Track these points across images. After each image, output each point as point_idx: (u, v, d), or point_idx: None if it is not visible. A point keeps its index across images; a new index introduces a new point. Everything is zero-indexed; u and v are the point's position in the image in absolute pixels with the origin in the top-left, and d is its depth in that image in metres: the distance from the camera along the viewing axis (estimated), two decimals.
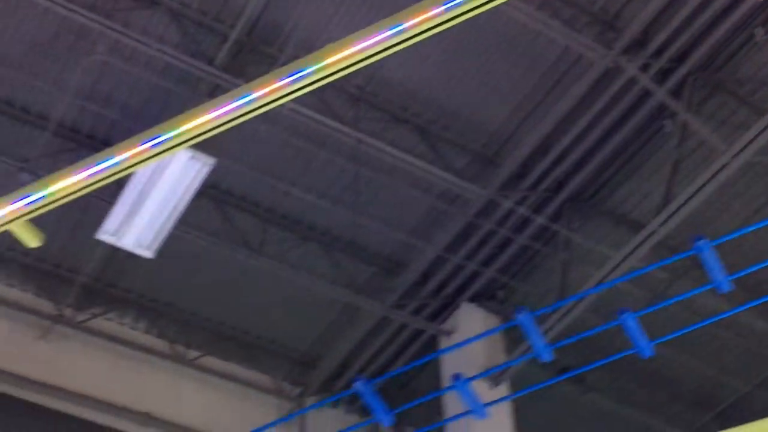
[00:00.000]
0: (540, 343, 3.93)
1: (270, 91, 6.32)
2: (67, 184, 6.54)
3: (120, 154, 6.48)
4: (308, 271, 13.06)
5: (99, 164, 6.44)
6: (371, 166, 12.10)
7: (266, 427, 3.97)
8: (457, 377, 3.26)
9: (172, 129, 6.40)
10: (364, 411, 14.65)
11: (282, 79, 6.33)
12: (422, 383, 14.04)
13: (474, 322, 13.06)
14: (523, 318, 3.35)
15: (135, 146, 6.44)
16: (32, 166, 11.18)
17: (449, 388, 3.29)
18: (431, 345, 13.82)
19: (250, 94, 6.27)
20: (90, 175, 6.49)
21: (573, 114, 11.39)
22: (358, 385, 3.34)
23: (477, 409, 3.43)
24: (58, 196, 6.59)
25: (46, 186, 6.55)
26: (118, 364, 13.51)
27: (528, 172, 12.01)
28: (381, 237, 13.06)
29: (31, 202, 6.51)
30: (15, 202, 6.49)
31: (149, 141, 6.36)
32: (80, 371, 13.12)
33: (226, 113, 6.34)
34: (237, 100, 6.35)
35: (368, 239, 13.04)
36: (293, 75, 6.36)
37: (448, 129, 12.04)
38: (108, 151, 6.61)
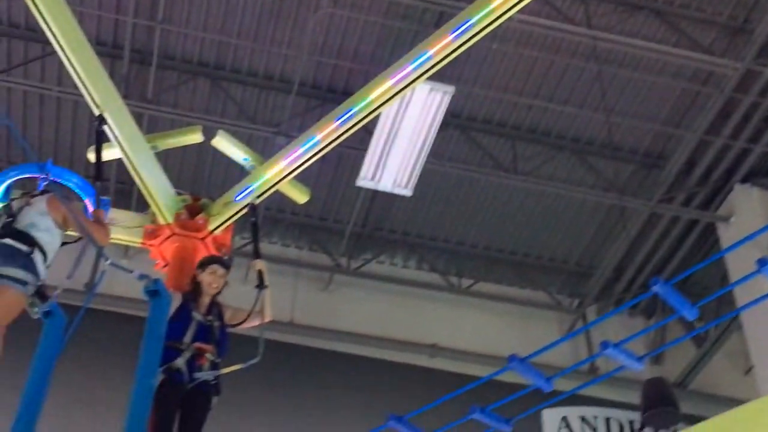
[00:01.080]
0: None
1: (500, 4, 6.22)
2: (322, 136, 6.82)
3: (366, 96, 6.64)
4: (565, 180, 12.81)
5: (349, 111, 6.65)
6: (612, 61, 11.60)
7: (559, 341, 3.89)
8: (763, 261, 2.99)
9: (411, 61, 6.45)
10: (649, 313, 14.28)
11: None
12: (698, 272, 13.45)
13: (751, 203, 12.29)
14: None
15: (380, 86, 6.57)
16: (285, 128, 11.67)
17: (753, 274, 3.02)
18: (707, 234, 13.19)
19: (485, 10, 6.19)
20: (341, 123, 6.72)
21: None
22: (658, 287, 3.15)
23: None
24: (317, 149, 6.88)
25: (305, 141, 6.85)
26: (398, 303, 13.95)
27: None
28: (636, 132, 12.54)
29: (294, 159, 6.84)
30: (285, 159, 6.85)
31: (392, 77, 6.48)
32: (364, 315, 13.68)
33: (460, 35, 6.31)
34: (468, 21, 6.30)
35: (623, 137, 12.56)
36: None
37: (687, 6, 11.29)
38: (355, 96, 6.77)
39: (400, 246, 14.09)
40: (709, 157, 12.37)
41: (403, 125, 10.18)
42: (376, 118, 9.63)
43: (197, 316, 6.16)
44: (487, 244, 14.09)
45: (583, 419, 10.43)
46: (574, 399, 11.87)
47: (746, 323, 12.08)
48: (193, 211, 7.12)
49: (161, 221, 7.09)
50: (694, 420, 3.69)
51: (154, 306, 5.71)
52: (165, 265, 7.07)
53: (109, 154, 7.19)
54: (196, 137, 7.53)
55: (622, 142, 12.62)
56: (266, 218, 13.23)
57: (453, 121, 12.23)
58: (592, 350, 12.94)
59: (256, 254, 6.82)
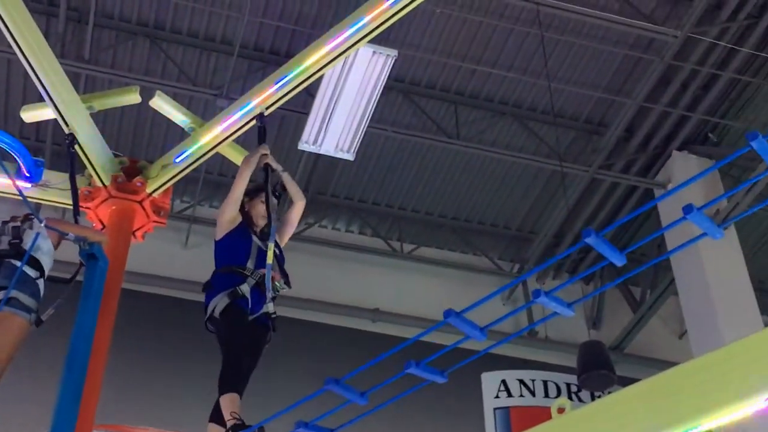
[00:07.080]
0: None
1: None
2: (262, 99, 6.73)
3: (305, 60, 6.55)
4: (507, 146, 12.88)
5: (288, 75, 6.56)
6: (555, 28, 11.64)
7: (495, 294, 3.92)
8: (689, 208, 3.03)
9: (352, 24, 6.38)
10: (587, 279, 14.50)
11: None
12: (637, 239, 13.71)
13: (689, 170, 12.49)
14: (757, 143, 2.97)
15: (320, 49, 6.49)
16: (227, 91, 11.50)
17: (680, 220, 3.07)
18: (646, 200, 13.38)
19: None
20: (281, 86, 6.64)
21: None
22: (591, 239, 3.20)
23: (712, 231, 3.21)
24: (255, 113, 6.79)
25: (244, 104, 6.76)
26: (341, 267, 13.94)
27: (725, 1, 11.18)
28: (577, 99, 12.64)
29: (232, 123, 6.76)
30: (223, 123, 6.77)
31: (332, 41, 6.40)
32: (306, 279, 13.54)
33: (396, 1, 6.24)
34: None
35: (564, 104, 12.64)
36: None
37: None
38: (295, 59, 6.69)
39: (342, 210, 14.06)
40: (648, 125, 12.55)
41: (345, 89, 10.11)
42: (318, 81, 9.55)
43: (257, 241, 5.86)
44: (429, 209, 14.14)
45: (522, 382, 10.58)
46: (513, 363, 12.08)
47: (681, 289, 12.33)
48: (131, 173, 7.00)
49: (98, 183, 6.96)
50: (630, 382, 3.73)
51: (90, 269, 5.62)
52: (102, 228, 6.95)
53: (44, 113, 7.02)
54: (133, 98, 7.37)
55: (564, 108, 12.72)
56: (207, 182, 13.10)
57: (396, 86, 12.19)
58: (532, 317, 13.10)
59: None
